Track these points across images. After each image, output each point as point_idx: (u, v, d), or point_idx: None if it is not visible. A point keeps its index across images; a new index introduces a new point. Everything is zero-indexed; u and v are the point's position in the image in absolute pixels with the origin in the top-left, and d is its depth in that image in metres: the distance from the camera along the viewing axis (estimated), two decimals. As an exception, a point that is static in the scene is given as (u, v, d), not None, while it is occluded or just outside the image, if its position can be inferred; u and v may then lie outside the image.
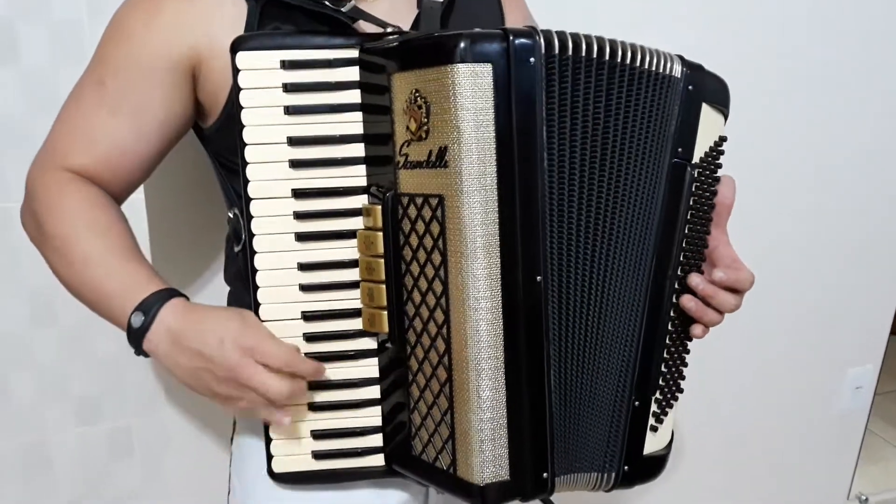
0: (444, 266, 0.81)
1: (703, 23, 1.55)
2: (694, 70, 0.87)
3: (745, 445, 1.89)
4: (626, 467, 0.88)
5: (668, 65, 0.86)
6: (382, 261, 0.86)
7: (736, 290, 0.88)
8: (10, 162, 1.13)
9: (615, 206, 0.84)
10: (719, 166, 0.91)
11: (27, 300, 1.20)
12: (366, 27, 0.91)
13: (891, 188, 1.85)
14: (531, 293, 0.81)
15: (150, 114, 0.90)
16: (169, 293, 0.85)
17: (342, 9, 0.89)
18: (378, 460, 0.91)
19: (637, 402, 0.88)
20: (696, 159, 0.87)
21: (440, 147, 0.79)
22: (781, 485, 1.97)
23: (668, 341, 0.89)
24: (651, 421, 0.90)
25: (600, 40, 0.83)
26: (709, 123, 0.88)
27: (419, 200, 0.82)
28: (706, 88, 0.88)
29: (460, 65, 0.77)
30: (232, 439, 1.00)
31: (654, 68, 0.84)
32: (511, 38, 0.78)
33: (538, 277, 0.81)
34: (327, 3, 0.89)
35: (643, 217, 0.86)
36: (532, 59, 0.79)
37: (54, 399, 1.23)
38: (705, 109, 0.87)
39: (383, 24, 0.89)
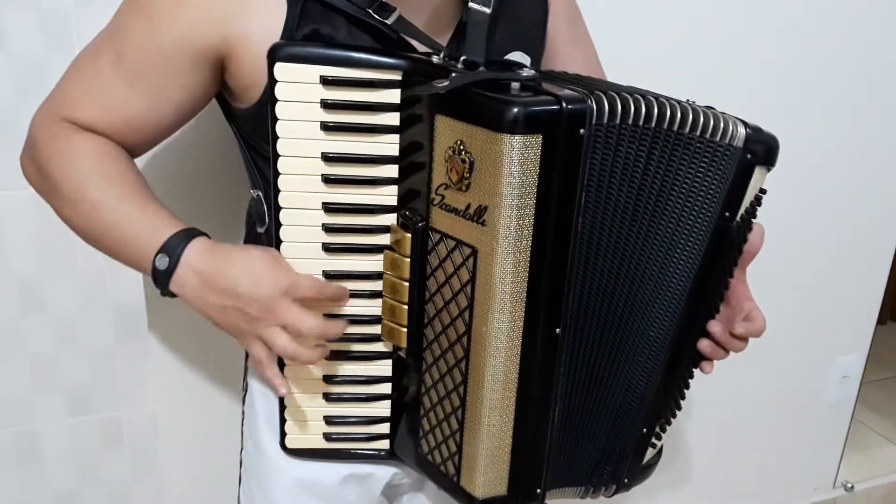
0: (469, 311, 0.84)
1: (689, 19, 1.51)
2: (755, 133, 0.86)
3: (733, 434, 1.92)
4: (626, 479, 0.98)
5: (731, 132, 0.85)
6: (407, 284, 0.88)
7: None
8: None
9: (642, 263, 0.87)
10: (755, 216, 0.92)
11: (16, 289, 1.19)
12: (409, 39, 0.87)
13: (877, 179, 1.83)
14: (549, 343, 0.85)
15: (168, 95, 0.87)
16: (190, 233, 0.85)
17: (387, 20, 0.84)
18: (384, 444, 0.98)
19: (645, 430, 0.96)
20: (738, 217, 0.89)
21: (480, 205, 0.80)
22: (769, 473, 2.01)
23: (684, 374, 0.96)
24: (652, 440, 0.98)
25: (648, 104, 0.81)
26: (756, 182, 0.89)
27: (451, 243, 0.84)
28: (761, 152, 0.87)
29: (512, 136, 0.75)
30: (244, 399, 1.06)
31: (709, 136, 0.84)
32: (564, 105, 0.77)
33: (557, 330, 0.85)
34: (372, 11, 0.84)
35: (678, 271, 0.88)
36: (581, 131, 0.78)
37: (45, 389, 1.24)
38: (756, 171, 0.88)
39: (431, 45, 0.85)
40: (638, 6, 1.46)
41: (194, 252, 0.84)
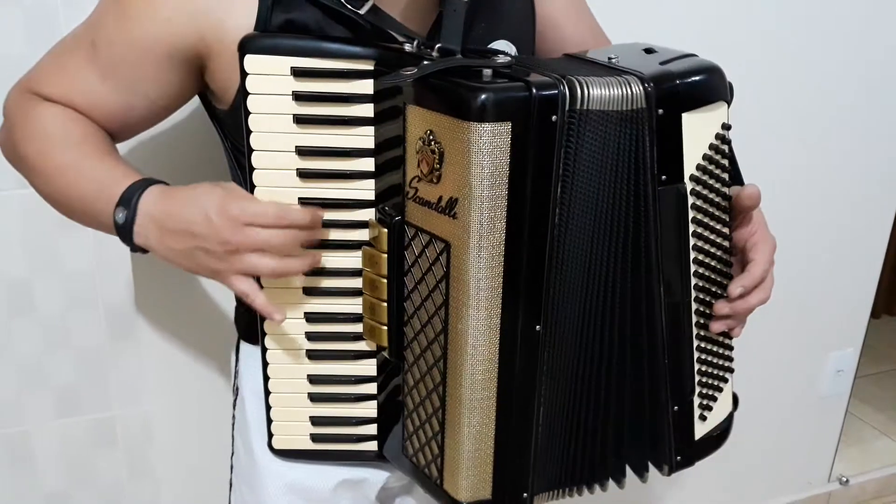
0: (444, 308, 0.81)
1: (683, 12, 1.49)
2: (660, 87, 0.79)
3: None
4: (678, 457, 0.94)
5: (627, 95, 0.79)
6: (385, 281, 0.86)
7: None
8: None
9: (617, 245, 0.83)
10: (727, 157, 0.86)
11: (5, 291, 1.18)
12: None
13: (870, 173, 1.80)
14: (529, 341, 0.82)
15: (139, 90, 0.86)
16: (146, 182, 0.82)
17: (360, 10, 0.82)
18: (371, 446, 0.96)
19: (676, 407, 0.91)
20: (692, 170, 0.84)
21: (451, 197, 0.77)
22: (764, 467, 1.99)
23: (703, 344, 0.92)
24: (700, 412, 0.94)
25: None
26: (699, 127, 0.83)
27: (425, 237, 0.81)
28: (683, 99, 0.81)
29: (479, 125, 0.72)
30: (234, 404, 1.05)
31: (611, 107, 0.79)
32: (534, 91, 0.74)
33: (537, 327, 0.81)
34: (344, 1, 0.82)
35: (640, 249, 0.84)
36: (554, 117, 0.74)
37: (35, 390, 1.23)
38: (690, 119, 0.81)
39: (404, 33, 0.83)
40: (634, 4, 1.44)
41: (149, 200, 0.81)
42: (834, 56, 1.65)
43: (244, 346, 1.03)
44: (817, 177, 1.75)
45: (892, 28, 1.68)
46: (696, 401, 0.94)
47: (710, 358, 0.94)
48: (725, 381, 0.97)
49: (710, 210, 0.87)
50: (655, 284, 0.86)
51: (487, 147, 0.73)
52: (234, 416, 1.05)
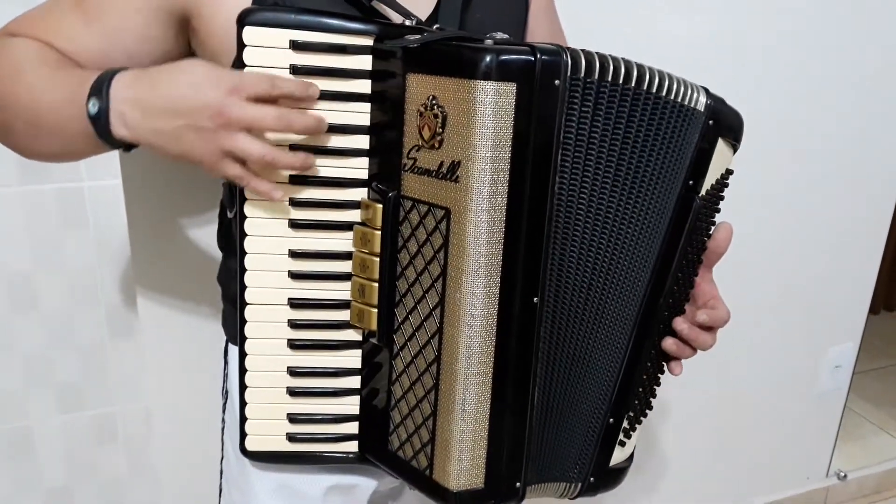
0: (442, 279, 0.80)
1: (684, 12, 1.55)
2: (717, 104, 0.86)
3: (726, 424, 1.91)
4: (591, 479, 0.91)
5: (694, 97, 0.84)
6: (377, 259, 0.84)
7: (713, 328, 0.90)
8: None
9: (620, 232, 0.84)
10: (722, 198, 0.91)
11: (8, 286, 1.18)
12: (384, 8, 0.86)
13: (867, 169, 1.86)
14: (527, 314, 0.81)
15: (123, 43, 0.84)
16: (116, 69, 0.77)
17: None
18: (352, 447, 0.92)
19: (612, 420, 0.90)
20: (702, 192, 0.87)
21: (453, 161, 0.77)
22: (762, 462, 2.01)
23: (651, 366, 0.91)
24: (621, 436, 0.92)
25: (628, 64, 0.81)
26: (720, 157, 0.87)
27: (423, 208, 0.80)
28: (724, 123, 0.87)
29: (484, 82, 0.74)
30: (224, 407, 1.00)
31: (678, 99, 0.83)
32: (538, 55, 0.76)
33: (535, 299, 0.81)
34: None
35: (645, 244, 0.85)
36: (557, 82, 0.76)
37: (37, 386, 1.23)
38: (720, 144, 0.87)
39: (404, 13, 0.85)
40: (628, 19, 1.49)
41: (122, 83, 0.76)
42: (834, 51, 1.70)
43: (233, 348, 0.99)
44: (817, 172, 1.78)
45: (891, 26, 1.75)
46: (625, 422, 0.93)
47: (648, 383, 0.94)
48: (646, 415, 0.96)
49: (699, 238, 0.90)
50: (645, 284, 0.87)
51: (492, 107, 0.74)
52: (223, 420, 1.01)
